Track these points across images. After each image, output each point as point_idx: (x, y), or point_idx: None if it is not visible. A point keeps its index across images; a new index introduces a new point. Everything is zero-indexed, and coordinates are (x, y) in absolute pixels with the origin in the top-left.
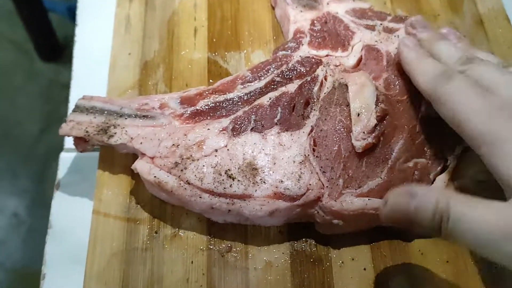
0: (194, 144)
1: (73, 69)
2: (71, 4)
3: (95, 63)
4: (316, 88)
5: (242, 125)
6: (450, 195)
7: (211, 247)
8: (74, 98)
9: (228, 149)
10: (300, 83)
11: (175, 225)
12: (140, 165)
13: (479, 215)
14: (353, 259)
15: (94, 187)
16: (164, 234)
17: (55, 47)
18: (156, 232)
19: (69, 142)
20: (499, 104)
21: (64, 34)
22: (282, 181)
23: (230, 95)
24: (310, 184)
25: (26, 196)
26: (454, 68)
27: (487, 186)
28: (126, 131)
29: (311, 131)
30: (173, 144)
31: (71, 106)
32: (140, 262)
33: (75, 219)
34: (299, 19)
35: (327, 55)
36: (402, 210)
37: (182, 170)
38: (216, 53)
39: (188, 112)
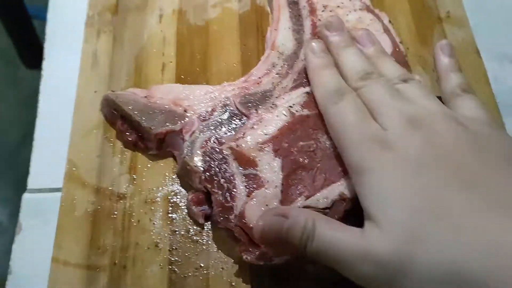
0: None
1: (38, 106)
2: None
3: (61, 101)
4: None
5: None
6: (316, 217)
7: None
8: (38, 136)
9: None
10: None
11: (136, 272)
12: None
13: (338, 238)
14: None
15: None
16: (125, 282)
17: (39, 54)
18: (116, 280)
19: (32, 182)
20: (373, 134)
21: None
22: None
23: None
24: None
25: (8, 204)
26: (351, 83)
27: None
28: None
29: None
30: None
31: (35, 148)
32: None
33: (35, 266)
34: None
35: None
36: (276, 230)
37: None
38: None
39: None
